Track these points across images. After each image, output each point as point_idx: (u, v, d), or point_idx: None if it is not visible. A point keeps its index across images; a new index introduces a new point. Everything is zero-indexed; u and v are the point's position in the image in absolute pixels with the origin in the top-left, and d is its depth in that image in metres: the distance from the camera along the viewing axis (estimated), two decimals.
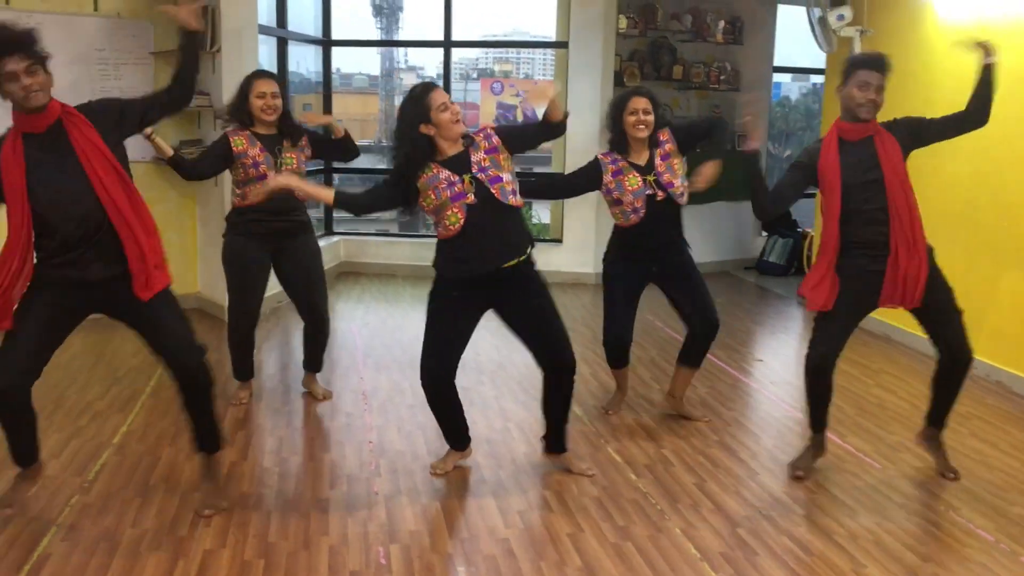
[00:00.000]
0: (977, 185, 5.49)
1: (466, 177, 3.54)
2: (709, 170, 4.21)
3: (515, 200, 3.62)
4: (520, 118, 10.08)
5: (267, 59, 7.81)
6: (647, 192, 4.22)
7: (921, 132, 3.74)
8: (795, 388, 5.26)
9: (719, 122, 4.90)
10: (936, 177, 5.64)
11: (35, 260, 3.22)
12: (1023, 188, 5.17)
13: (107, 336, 5.68)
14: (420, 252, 7.93)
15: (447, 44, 8.52)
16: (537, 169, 9.87)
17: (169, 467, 3.88)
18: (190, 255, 6.82)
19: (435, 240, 3.70)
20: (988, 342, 5.11)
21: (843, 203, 3.66)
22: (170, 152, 4.24)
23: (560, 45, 8.32)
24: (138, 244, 3.21)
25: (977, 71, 3.66)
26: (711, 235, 8.93)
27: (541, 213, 14.16)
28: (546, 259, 8.38)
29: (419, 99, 3.52)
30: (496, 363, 5.55)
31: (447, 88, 8.78)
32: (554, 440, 3.98)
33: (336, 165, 8.40)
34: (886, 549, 3.30)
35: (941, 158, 5.64)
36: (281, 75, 7.79)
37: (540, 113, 3.76)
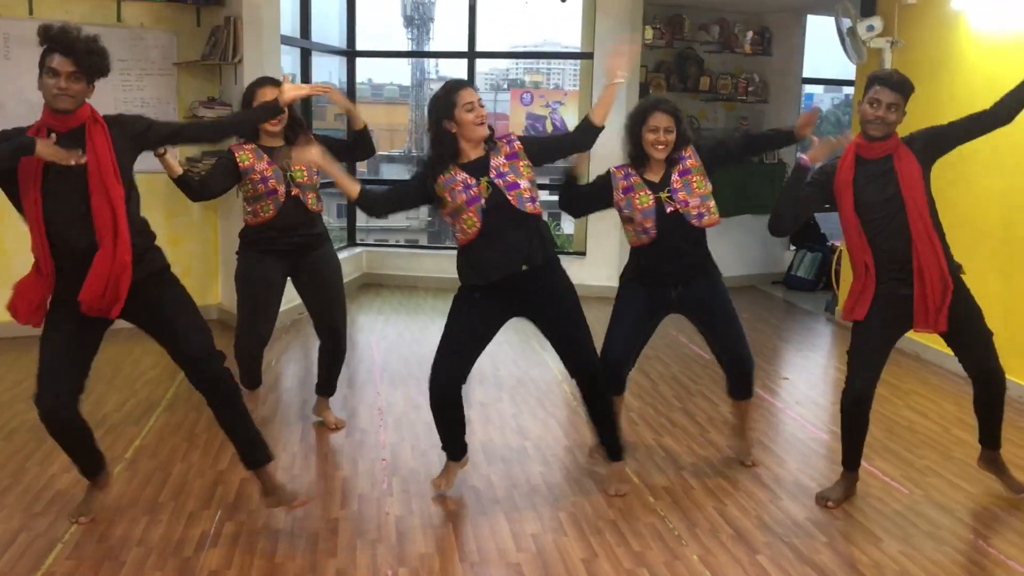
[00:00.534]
0: (1012, 201, 5.33)
1: (483, 181, 3.50)
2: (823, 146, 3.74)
3: (532, 207, 3.55)
4: (550, 128, 10.01)
5: (291, 69, 7.81)
6: (658, 211, 3.83)
7: (939, 141, 3.62)
8: (821, 408, 5.14)
9: (777, 136, 4.18)
10: (969, 193, 5.50)
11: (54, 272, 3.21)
12: None
13: (128, 347, 5.66)
14: (443, 264, 7.88)
15: (471, 55, 8.47)
16: (545, 178, 9.81)
17: (179, 484, 3.83)
18: (211, 266, 6.80)
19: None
20: None
21: (863, 222, 3.58)
22: (179, 171, 4.00)
23: (585, 56, 8.24)
24: (111, 256, 3.15)
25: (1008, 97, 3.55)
26: (738, 248, 8.80)
27: (564, 225, 14.11)
28: (569, 273, 8.35)
29: (447, 94, 3.50)
30: (516, 378, 5.47)
31: None
32: (604, 448, 3.92)
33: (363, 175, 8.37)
34: None
35: (974, 173, 5.50)
36: None
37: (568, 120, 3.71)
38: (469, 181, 3.50)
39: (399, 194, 3.72)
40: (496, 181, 3.50)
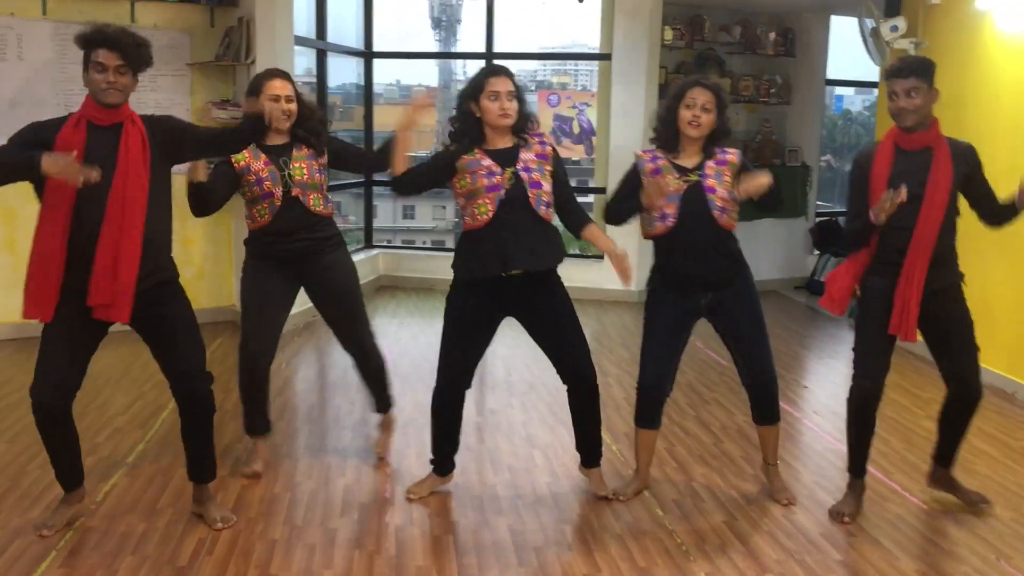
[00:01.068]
0: None
1: (508, 171, 3.45)
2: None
3: (546, 211, 3.50)
4: (577, 130, 9.91)
5: (304, 70, 7.77)
6: (684, 197, 3.51)
7: (969, 182, 3.50)
8: (840, 418, 4.93)
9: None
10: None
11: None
12: None
13: (137, 349, 5.61)
14: None
15: (488, 56, 8.38)
16: (572, 181, 9.74)
17: (179, 490, 3.76)
18: (225, 268, 6.76)
19: None
20: None
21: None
22: (203, 178, 3.65)
23: (603, 57, 8.13)
24: (113, 259, 3.12)
25: (1010, 204, 3.48)
26: (760, 253, 8.64)
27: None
28: (587, 276, 8.30)
29: (480, 77, 3.49)
30: (527, 384, 5.38)
31: None
32: (583, 453, 3.84)
33: (377, 177, 8.30)
34: None
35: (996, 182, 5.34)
36: (321, 87, 7.73)
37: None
38: (494, 168, 3.45)
39: (431, 171, 3.60)
40: (521, 174, 3.45)
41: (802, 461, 4.34)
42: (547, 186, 3.49)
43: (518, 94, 3.48)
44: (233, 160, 3.77)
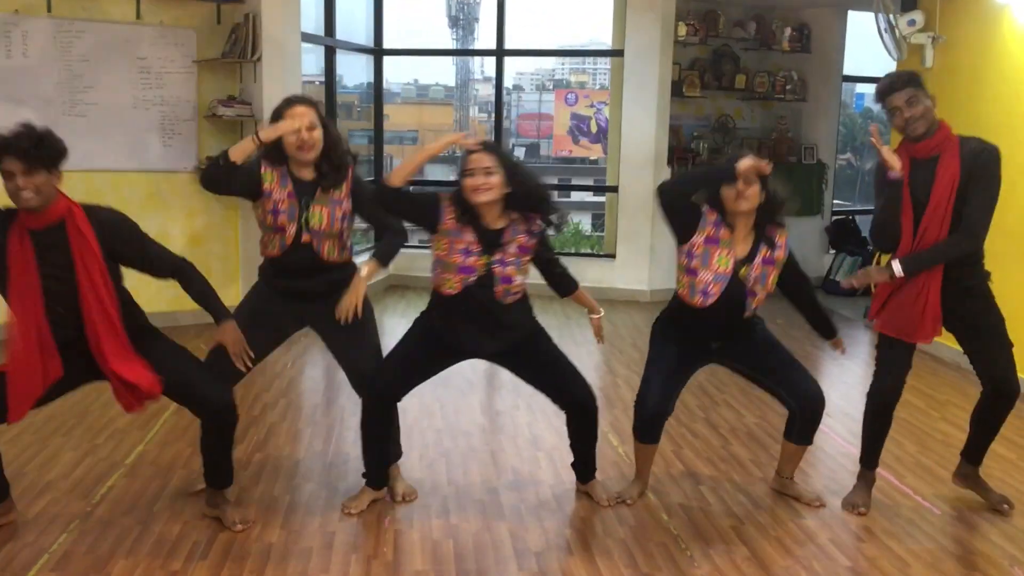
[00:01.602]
0: None
1: (485, 259, 3.31)
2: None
3: (512, 299, 3.39)
4: (595, 129, 9.81)
5: (315, 68, 7.72)
6: (731, 281, 3.42)
7: (970, 181, 3.36)
8: (853, 420, 4.89)
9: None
10: (1012, 195, 5.22)
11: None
12: None
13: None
14: None
15: (499, 53, 8.31)
16: (577, 180, 9.61)
17: (177, 492, 3.72)
18: (232, 269, 6.71)
19: None
20: None
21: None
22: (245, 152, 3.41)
23: (616, 54, 8.04)
24: (102, 354, 3.10)
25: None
26: None
27: (584, 223, 13.86)
28: (599, 275, 8.22)
29: (462, 158, 3.29)
30: None
31: (498, 98, 8.59)
32: (580, 469, 3.79)
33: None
34: None
35: (1015, 177, 5.22)
36: (329, 85, 7.68)
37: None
38: (473, 248, 3.30)
39: (419, 207, 3.39)
40: (495, 268, 3.32)
41: (813, 465, 4.23)
42: (519, 280, 3.38)
43: (507, 168, 3.26)
44: (262, 175, 3.46)
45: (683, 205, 3.45)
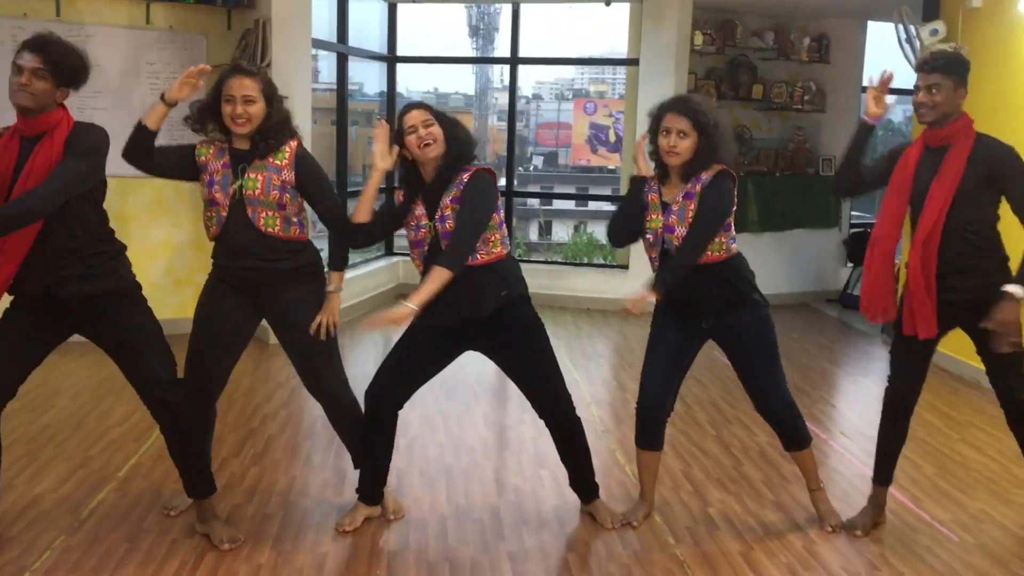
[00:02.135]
0: None
1: (428, 225, 3.23)
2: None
3: (471, 259, 3.20)
4: (612, 138, 9.70)
5: (327, 74, 7.66)
6: (659, 238, 3.36)
7: (1004, 184, 3.24)
8: (868, 440, 4.71)
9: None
10: None
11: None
12: None
13: None
14: None
15: (513, 61, 8.22)
16: (595, 190, 9.54)
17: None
18: None
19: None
20: None
21: (910, 213, 3.39)
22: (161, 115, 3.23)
23: (631, 63, 7.92)
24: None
25: None
26: (790, 264, 8.41)
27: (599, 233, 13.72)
28: (612, 286, 8.10)
29: (398, 120, 3.26)
30: None
31: (511, 105, 8.49)
32: (576, 487, 3.66)
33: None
34: None
35: None
36: (340, 91, 7.60)
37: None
38: (422, 220, 3.24)
39: (387, 214, 3.34)
40: (437, 226, 3.22)
41: (827, 487, 4.06)
42: None
43: (442, 120, 3.23)
44: (196, 151, 3.33)
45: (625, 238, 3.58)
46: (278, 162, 3.24)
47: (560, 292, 8.03)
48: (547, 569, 3.24)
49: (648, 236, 3.40)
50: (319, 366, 3.41)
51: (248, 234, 3.24)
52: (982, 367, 3.48)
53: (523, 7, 8.14)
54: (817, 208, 8.56)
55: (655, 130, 3.34)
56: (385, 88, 8.55)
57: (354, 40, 7.76)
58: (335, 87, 7.71)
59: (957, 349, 3.86)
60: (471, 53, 38.88)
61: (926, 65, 3.28)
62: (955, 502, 3.92)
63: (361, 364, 5.62)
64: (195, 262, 6.24)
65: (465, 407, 5.02)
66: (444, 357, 3.45)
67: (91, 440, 4.32)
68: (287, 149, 3.25)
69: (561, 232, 21.41)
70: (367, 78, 9.30)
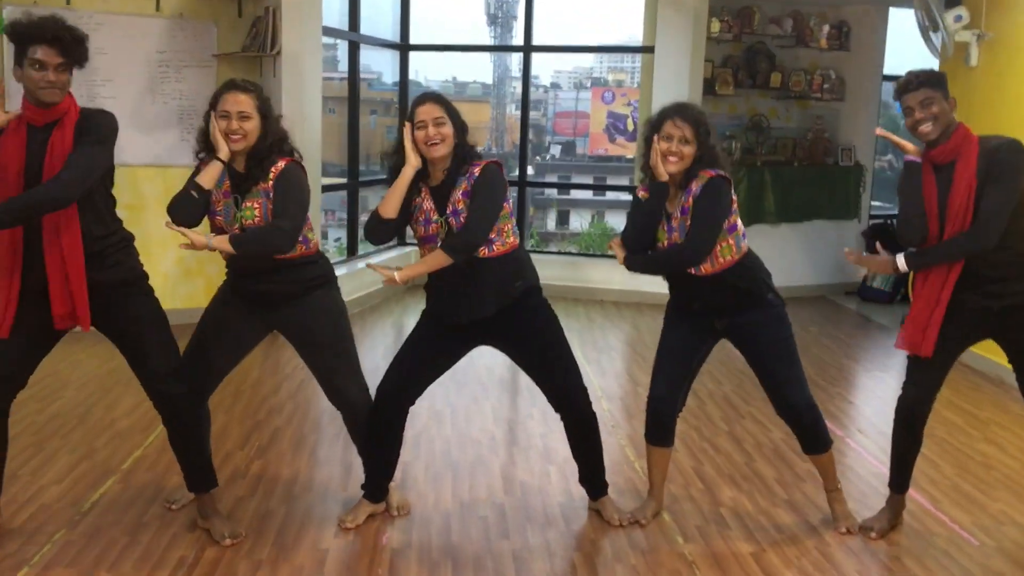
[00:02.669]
0: None
1: (440, 220, 3.18)
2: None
3: (485, 252, 3.16)
4: (631, 127, 9.59)
5: (341, 62, 7.59)
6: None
7: (989, 173, 3.10)
8: (887, 438, 4.59)
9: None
10: None
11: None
12: None
13: None
14: None
15: (527, 49, 8.12)
16: (613, 180, 9.45)
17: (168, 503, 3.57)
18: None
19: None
20: None
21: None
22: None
23: (646, 50, 7.81)
24: (61, 265, 2.96)
25: None
26: (808, 256, 8.28)
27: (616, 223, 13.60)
28: (625, 279, 7.99)
29: (410, 110, 3.20)
30: None
31: (526, 93, 8.39)
32: (586, 483, 3.59)
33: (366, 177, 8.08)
34: None
35: None
36: (352, 80, 7.53)
37: None
38: (432, 215, 3.19)
39: (371, 221, 3.27)
40: (451, 220, 3.16)
41: (843, 486, 3.98)
42: None
43: (454, 117, 3.17)
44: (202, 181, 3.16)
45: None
46: (267, 185, 3.12)
47: (573, 284, 7.95)
48: (551, 569, 3.17)
49: (658, 246, 3.34)
50: (333, 372, 3.34)
51: (260, 260, 3.17)
52: (1005, 363, 3.38)
53: None
54: (836, 199, 8.42)
55: (651, 137, 3.22)
56: (410, 78, 8.49)
57: (368, 28, 7.69)
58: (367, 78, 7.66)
59: (979, 345, 3.75)
60: (489, 41, 38.78)
61: (910, 85, 3.15)
62: (976, 504, 3.82)
63: (371, 356, 5.57)
64: (206, 253, 6.16)
65: (473, 400, 4.95)
66: (457, 352, 3.39)
67: (97, 431, 4.29)
68: (273, 171, 3.12)
69: (578, 222, 21.29)
70: (385, 67, 9.25)
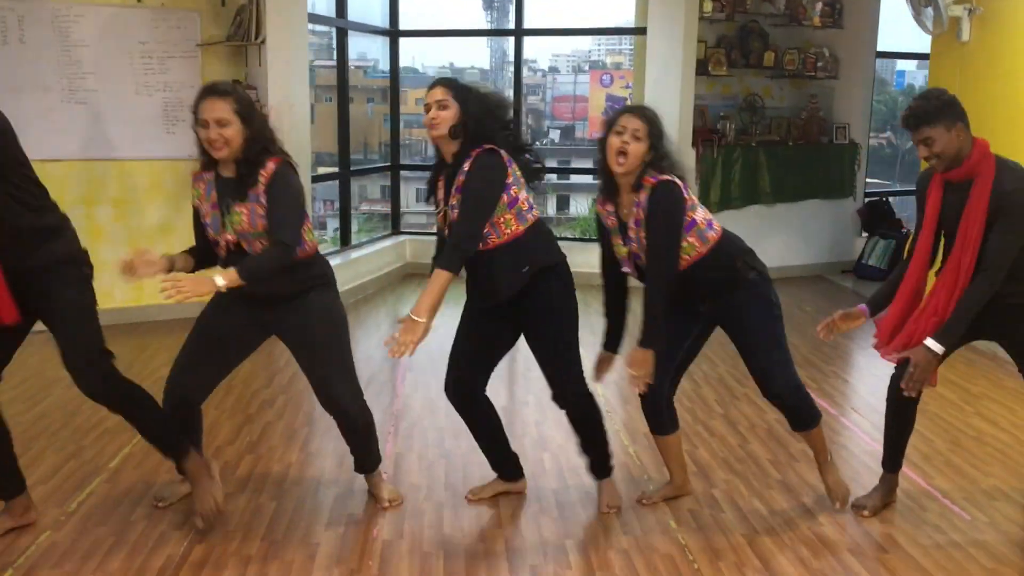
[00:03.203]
0: None
1: (443, 211, 3.20)
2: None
3: (482, 246, 3.15)
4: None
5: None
6: (631, 260, 3.32)
7: (998, 216, 3.07)
8: (881, 416, 4.58)
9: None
10: None
11: None
12: None
13: (144, 343, 5.45)
14: None
15: (518, 32, 8.06)
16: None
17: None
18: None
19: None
20: None
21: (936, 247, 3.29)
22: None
23: (638, 31, 7.74)
24: None
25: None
26: (803, 235, 8.24)
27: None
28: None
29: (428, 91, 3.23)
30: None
31: (517, 78, 8.34)
32: (591, 469, 3.56)
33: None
34: None
35: None
36: (340, 67, 7.47)
37: None
38: (440, 204, 3.24)
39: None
40: (450, 212, 3.17)
41: (837, 465, 3.96)
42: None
43: (461, 98, 3.13)
44: (192, 193, 3.24)
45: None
46: (257, 190, 3.06)
47: (573, 268, 7.83)
48: (544, 557, 3.15)
49: (619, 260, 3.36)
50: (326, 375, 3.30)
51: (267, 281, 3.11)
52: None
53: None
54: (831, 178, 8.37)
55: (606, 136, 3.17)
56: (407, 64, 8.45)
57: (357, 15, 7.63)
58: (353, 64, 7.60)
59: None
60: (485, 26, 38.58)
61: (907, 122, 3.12)
62: (968, 478, 3.80)
63: (365, 346, 5.53)
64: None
65: None
66: (505, 333, 3.40)
67: (84, 430, 4.26)
68: (263, 174, 3.05)
69: (577, 206, 21.24)
70: (381, 55, 9.17)
